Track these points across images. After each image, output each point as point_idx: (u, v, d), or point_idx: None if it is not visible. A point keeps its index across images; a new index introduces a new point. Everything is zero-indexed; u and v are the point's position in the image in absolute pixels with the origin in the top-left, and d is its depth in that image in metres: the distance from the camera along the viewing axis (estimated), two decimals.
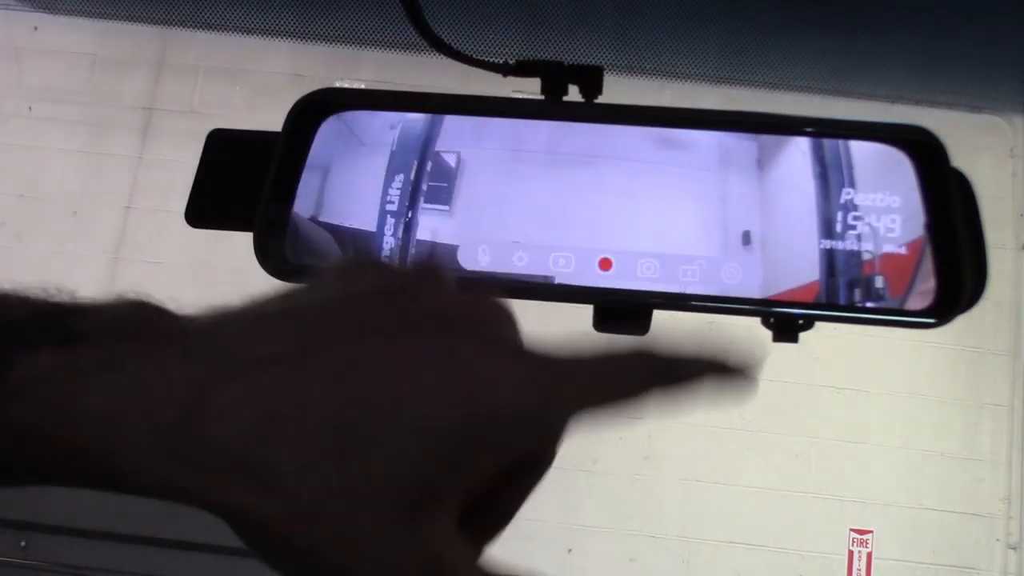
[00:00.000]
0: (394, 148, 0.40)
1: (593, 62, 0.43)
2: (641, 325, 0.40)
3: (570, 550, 3.75)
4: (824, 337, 3.50)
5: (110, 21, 3.98)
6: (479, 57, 0.46)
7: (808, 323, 0.39)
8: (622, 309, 0.40)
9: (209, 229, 0.41)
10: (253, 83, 3.97)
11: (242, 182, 0.40)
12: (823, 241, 0.38)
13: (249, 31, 3.89)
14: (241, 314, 0.31)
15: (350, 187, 0.40)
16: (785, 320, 0.39)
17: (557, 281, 0.39)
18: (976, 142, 3.93)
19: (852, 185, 0.39)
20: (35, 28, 4.06)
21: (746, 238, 0.39)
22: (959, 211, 0.38)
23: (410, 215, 0.40)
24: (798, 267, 0.39)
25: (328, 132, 0.40)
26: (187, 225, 0.42)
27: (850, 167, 0.39)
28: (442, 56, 0.51)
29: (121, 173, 3.95)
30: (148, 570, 2.77)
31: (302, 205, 0.40)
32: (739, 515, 3.78)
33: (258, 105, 3.87)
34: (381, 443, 0.28)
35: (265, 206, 0.40)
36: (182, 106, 3.99)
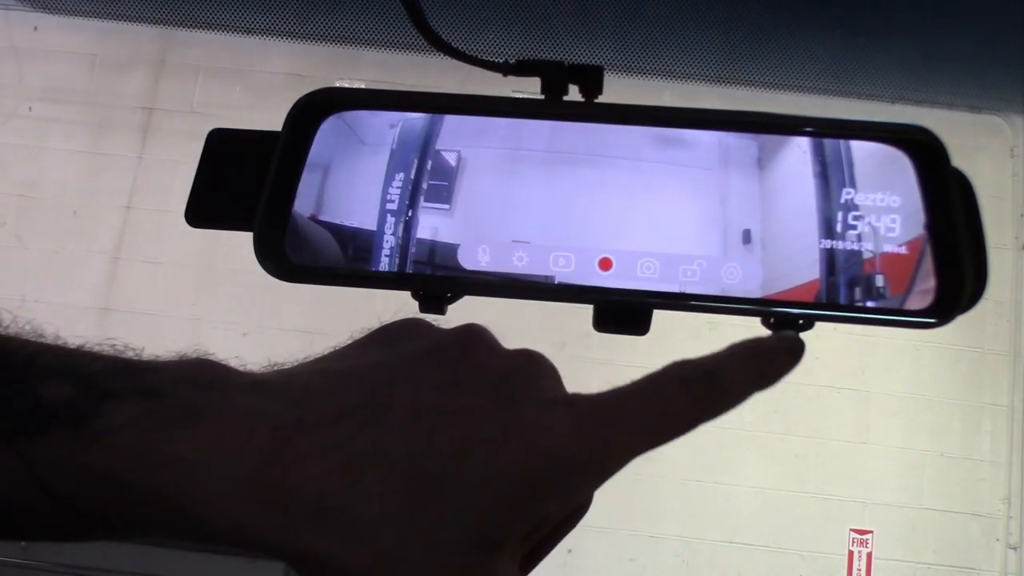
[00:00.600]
0: (394, 147, 0.41)
1: (593, 62, 0.43)
2: (641, 325, 0.40)
3: (570, 550, 3.75)
4: (824, 337, 3.52)
5: (110, 21, 3.98)
6: (479, 57, 0.46)
7: (808, 323, 0.40)
8: (622, 309, 0.40)
9: (209, 229, 0.41)
10: (253, 83, 3.98)
11: (242, 182, 0.40)
12: (823, 241, 0.38)
13: (249, 31, 3.89)
14: (306, 371, 0.34)
15: (350, 186, 0.40)
16: (785, 320, 0.39)
17: (557, 281, 0.39)
18: (976, 142, 3.93)
19: (852, 185, 0.39)
20: (35, 28, 4.06)
21: (746, 237, 0.39)
22: (959, 211, 0.38)
23: (410, 214, 0.40)
24: (798, 266, 0.39)
25: (328, 131, 0.41)
26: (187, 225, 0.42)
27: (850, 166, 0.39)
28: (442, 56, 0.51)
29: (121, 173, 3.95)
30: (148, 570, 2.77)
31: (302, 204, 0.40)
32: (739, 515, 3.78)
33: (258, 105, 3.87)
34: (453, 489, 0.30)
35: (265, 206, 0.40)
36: (182, 106, 4.00)
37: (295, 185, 0.40)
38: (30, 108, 3.98)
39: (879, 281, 0.38)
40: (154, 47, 4.03)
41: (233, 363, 0.34)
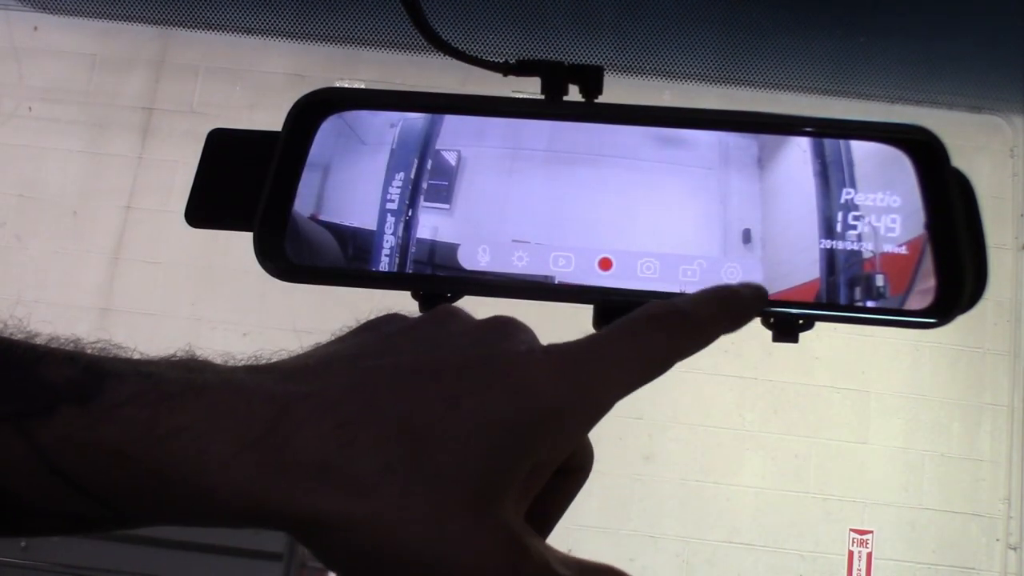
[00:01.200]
0: (394, 147, 0.41)
1: (593, 62, 0.43)
2: None
3: (570, 550, 3.74)
4: (824, 337, 3.52)
5: (110, 21, 3.98)
6: (479, 57, 0.46)
7: (808, 323, 0.40)
8: (622, 310, 0.40)
9: (209, 229, 0.41)
10: (253, 83, 3.98)
11: (242, 182, 0.40)
12: (823, 240, 0.38)
13: (249, 31, 3.89)
14: (293, 358, 0.34)
15: (350, 186, 0.40)
16: (785, 320, 0.39)
17: (557, 281, 0.40)
18: (976, 142, 3.93)
19: (852, 185, 0.39)
20: (35, 28, 4.06)
21: (746, 236, 0.39)
22: (959, 211, 0.38)
23: (410, 213, 0.40)
24: (798, 266, 0.39)
25: (328, 131, 0.41)
26: (187, 225, 0.42)
27: (851, 166, 0.39)
28: (442, 56, 0.51)
29: (121, 173, 3.95)
30: (148, 570, 2.77)
31: (302, 204, 0.40)
32: (739, 515, 3.78)
33: (258, 105, 3.87)
34: (446, 443, 0.31)
35: (265, 206, 0.40)
36: (182, 106, 4.00)
37: (295, 185, 0.40)
38: (30, 108, 3.98)
39: (879, 281, 0.38)
40: (154, 47, 4.03)
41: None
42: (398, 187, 0.41)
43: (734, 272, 0.39)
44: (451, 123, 0.41)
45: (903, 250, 0.38)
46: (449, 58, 0.50)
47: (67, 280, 3.88)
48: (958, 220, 0.38)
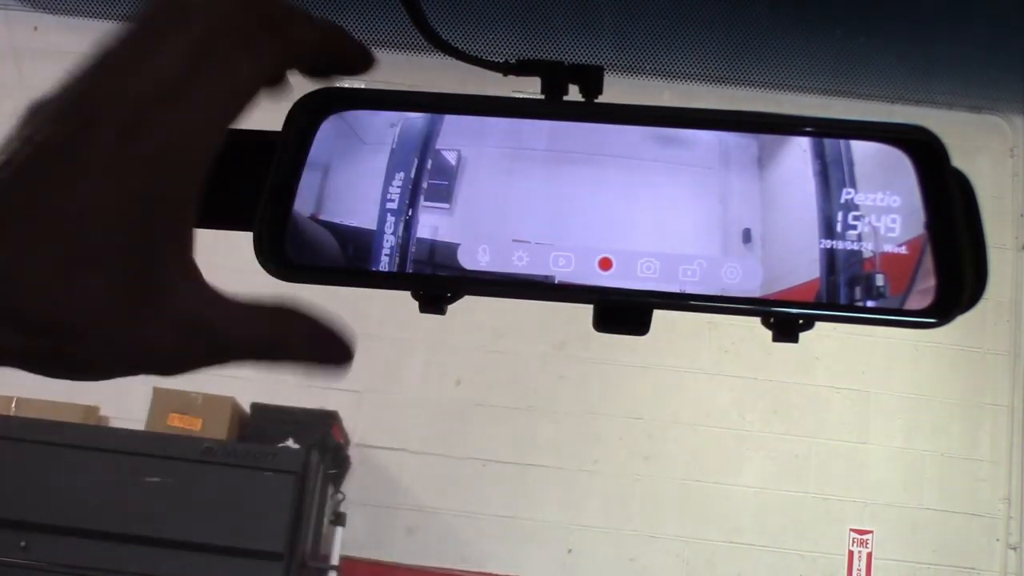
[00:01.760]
0: (395, 146, 0.41)
1: (593, 62, 0.43)
2: (641, 325, 0.40)
3: (570, 550, 3.75)
4: (824, 337, 3.51)
5: (110, 21, 3.98)
6: (479, 56, 0.46)
7: (808, 323, 0.40)
8: (622, 309, 0.40)
9: (208, 229, 0.41)
10: None
11: (242, 182, 0.40)
12: (823, 240, 0.38)
13: None
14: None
15: (350, 185, 0.40)
16: (785, 320, 0.39)
17: (557, 280, 0.40)
18: (976, 142, 3.93)
19: (853, 185, 0.39)
20: (35, 28, 4.06)
21: (746, 236, 0.39)
22: (959, 211, 0.38)
23: (410, 213, 0.40)
24: (798, 266, 0.39)
25: (329, 131, 0.41)
26: None
27: (851, 166, 0.39)
28: (442, 56, 0.51)
29: None
30: (148, 570, 2.77)
31: (302, 204, 0.40)
32: (739, 515, 3.78)
33: (258, 105, 3.86)
34: (79, 224, 0.33)
35: (265, 206, 0.40)
36: None
37: (295, 185, 0.40)
38: None
39: (879, 281, 0.38)
40: None
41: None
42: (398, 187, 0.41)
43: (734, 272, 0.39)
44: (451, 123, 0.41)
45: (903, 250, 0.38)
46: (449, 58, 0.50)
47: None
48: (958, 220, 0.38)
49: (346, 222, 0.40)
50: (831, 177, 0.39)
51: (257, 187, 0.40)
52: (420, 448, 3.81)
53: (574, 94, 0.43)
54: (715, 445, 3.82)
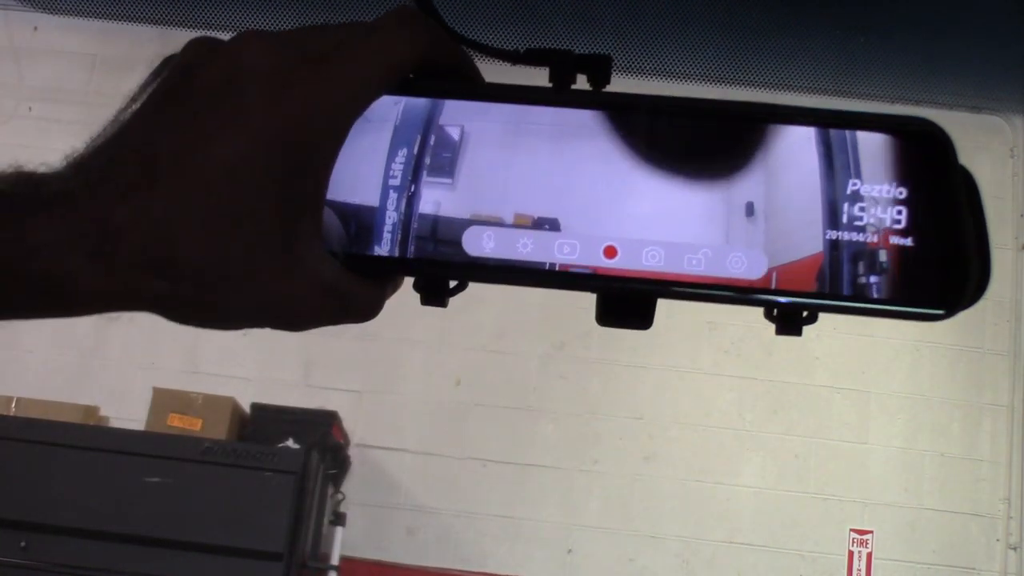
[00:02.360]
0: (398, 123, 0.41)
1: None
2: (645, 317, 0.40)
3: (570, 550, 3.75)
4: (824, 337, 3.51)
5: (110, 21, 3.98)
6: (488, 44, 0.46)
7: (812, 316, 0.40)
8: (626, 300, 0.40)
9: None
10: None
11: None
12: (828, 231, 0.39)
13: None
14: (109, 149, 0.36)
15: (353, 164, 0.40)
16: (789, 312, 0.40)
17: (560, 267, 0.40)
18: (976, 142, 3.93)
19: (859, 175, 0.39)
20: (35, 28, 4.06)
21: (750, 216, 0.39)
22: (965, 203, 0.38)
23: (413, 189, 0.40)
24: (803, 257, 0.39)
25: None
26: None
27: (857, 157, 0.40)
28: None
29: None
30: (148, 570, 2.77)
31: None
32: (739, 515, 3.78)
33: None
34: (243, 215, 0.35)
35: None
36: None
37: None
38: (30, 108, 3.98)
39: (884, 272, 0.39)
40: (154, 47, 4.03)
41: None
42: (401, 163, 0.41)
43: (739, 261, 0.39)
44: (455, 104, 0.41)
45: (908, 242, 0.38)
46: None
47: None
48: (964, 212, 0.38)
49: (349, 200, 0.40)
50: (837, 168, 0.39)
51: None
52: (420, 448, 3.81)
53: (581, 83, 0.43)
54: (715, 445, 3.82)
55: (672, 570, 3.76)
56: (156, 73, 0.38)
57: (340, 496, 3.44)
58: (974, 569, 3.74)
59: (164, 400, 3.25)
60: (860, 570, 3.71)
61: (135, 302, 0.36)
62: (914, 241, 0.38)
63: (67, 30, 4.00)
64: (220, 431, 3.15)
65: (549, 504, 3.78)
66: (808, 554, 3.75)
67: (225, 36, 0.38)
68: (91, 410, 3.40)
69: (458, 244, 0.40)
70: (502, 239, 0.40)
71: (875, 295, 0.38)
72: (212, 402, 3.24)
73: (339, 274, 0.38)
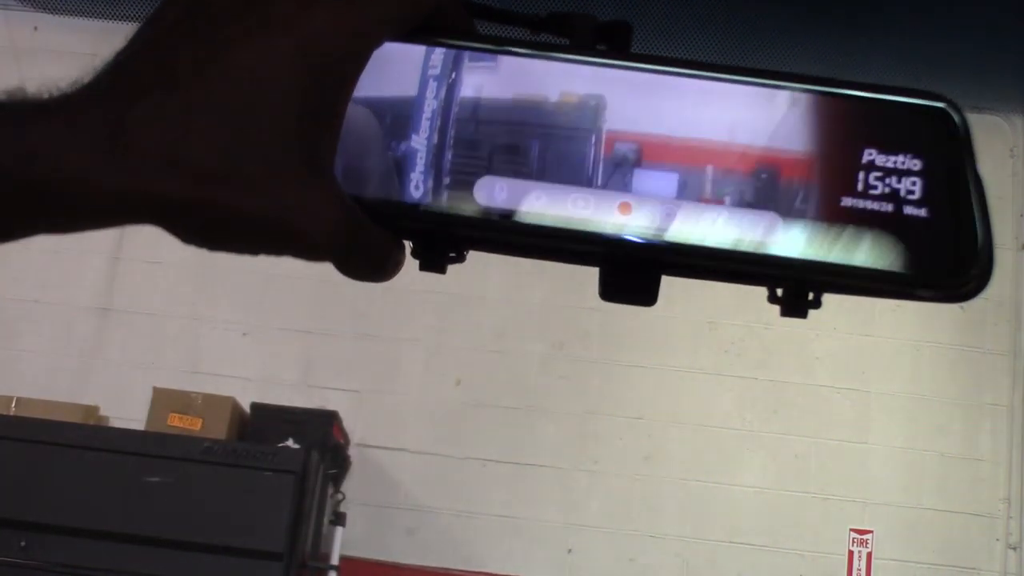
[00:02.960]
0: (413, 69, 0.41)
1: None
2: (649, 293, 0.40)
3: (570, 550, 3.75)
4: (824, 337, 3.50)
5: (110, 21, 3.98)
6: (507, 10, 0.46)
7: (817, 300, 0.40)
8: (632, 271, 0.40)
9: None
10: None
11: None
12: (844, 199, 0.39)
13: None
14: (116, 65, 0.36)
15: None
16: (793, 293, 0.40)
17: (574, 222, 0.40)
18: (976, 142, 3.92)
19: (875, 145, 0.39)
20: (35, 28, 4.06)
21: (767, 187, 0.39)
22: (976, 180, 0.39)
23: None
24: (819, 227, 0.39)
25: None
26: None
27: (873, 128, 0.40)
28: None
29: None
30: (148, 570, 2.77)
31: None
32: (739, 515, 3.79)
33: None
34: (262, 108, 0.34)
35: None
36: None
37: None
38: None
39: (898, 243, 0.39)
40: None
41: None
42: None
43: (756, 223, 0.39)
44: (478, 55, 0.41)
45: (923, 212, 0.39)
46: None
47: (67, 280, 3.88)
48: (974, 189, 0.39)
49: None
50: (853, 137, 0.40)
51: None
52: (420, 448, 3.81)
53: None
54: (715, 445, 3.82)
55: (672, 570, 3.76)
56: None
57: (340, 496, 3.44)
58: (974, 569, 3.74)
59: (164, 400, 3.25)
60: (860, 570, 3.71)
61: (142, 211, 0.35)
62: (928, 212, 0.39)
63: (67, 30, 4.01)
64: (220, 431, 3.15)
65: (549, 504, 3.78)
66: (808, 554, 3.75)
67: None
68: (91, 410, 3.40)
69: (469, 194, 0.40)
70: (515, 190, 0.40)
71: (888, 265, 0.38)
72: (212, 402, 3.24)
73: (353, 203, 0.38)
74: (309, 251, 0.38)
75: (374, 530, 3.70)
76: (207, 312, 3.88)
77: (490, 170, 0.39)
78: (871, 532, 3.74)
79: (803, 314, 0.40)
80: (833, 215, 0.38)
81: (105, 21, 3.98)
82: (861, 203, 0.38)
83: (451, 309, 3.82)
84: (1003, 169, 3.99)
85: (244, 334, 3.89)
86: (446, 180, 0.40)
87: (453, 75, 0.40)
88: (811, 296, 0.39)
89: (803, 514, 3.77)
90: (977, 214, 0.39)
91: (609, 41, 0.42)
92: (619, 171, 0.39)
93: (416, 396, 3.85)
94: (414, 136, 0.40)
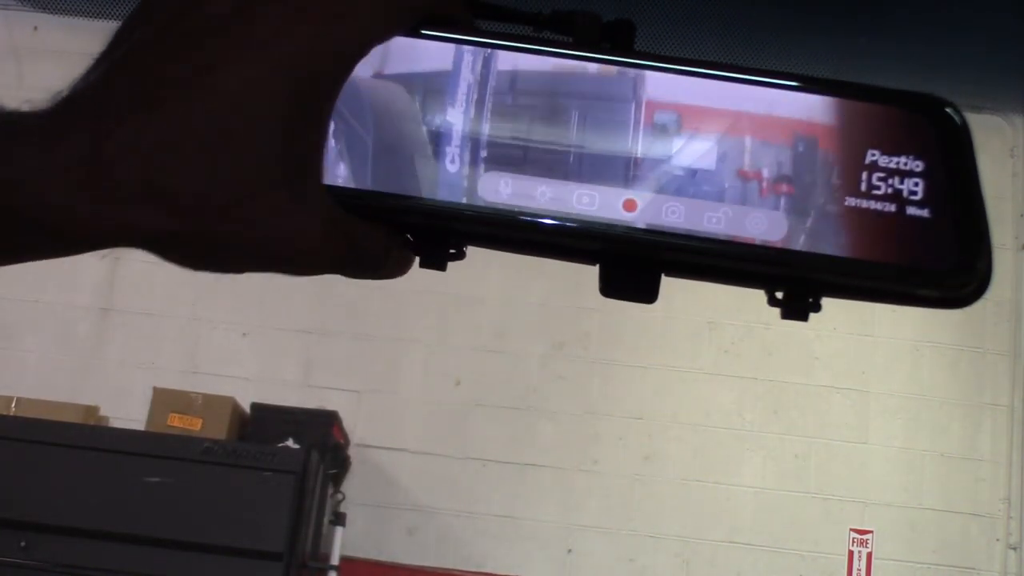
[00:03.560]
0: (415, 66, 0.41)
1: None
2: (650, 291, 0.40)
3: (570, 550, 3.75)
4: (824, 337, 3.50)
5: (110, 21, 3.98)
6: (511, 8, 0.46)
7: (816, 304, 0.40)
8: (633, 268, 0.40)
9: None
10: None
11: None
12: (847, 199, 0.39)
13: None
14: (92, 78, 0.36)
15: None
16: (794, 296, 0.40)
17: (578, 219, 0.40)
18: (976, 142, 3.92)
19: (877, 147, 0.40)
20: (35, 28, 4.06)
21: (770, 186, 0.40)
22: (977, 179, 0.39)
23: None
24: (822, 226, 0.40)
25: None
26: None
27: (876, 129, 0.40)
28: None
29: None
30: (148, 570, 2.77)
31: (359, 65, 0.39)
32: (739, 515, 3.79)
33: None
34: (241, 133, 0.34)
35: None
36: None
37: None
38: None
39: (901, 244, 0.39)
40: None
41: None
42: (419, 107, 0.40)
43: (759, 221, 0.39)
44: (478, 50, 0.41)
45: (925, 213, 0.39)
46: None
47: (67, 280, 3.88)
48: (975, 190, 0.39)
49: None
50: (857, 138, 0.40)
51: None
52: (420, 448, 3.81)
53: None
54: (715, 445, 3.82)
55: (672, 570, 3.76)
56: (147, 4, 0.37)
57: (340, 496, 3.44)
58: (974, 569, 3.74)
59: (164, 400, 3.25)
60: (860, 570, 3.71)
61: (129, 238, 0.34)
62: (931, 214, 0.39)
63: (67, 30, 4.00)
64: (220, 431, 3.15)
65: (549, 504, 3.78)
66: (808, 554, 3.75)
67: None
68: (91, 410, 3.40)
69: (473, 189, 0.40)
70: (520, 185, 0.40)
71: (889, 264, 0.39)
72: (212, 402, 3.24)
73: (346, 215, 0.37)
74: (299, 269, 0.37)
75: (374, 530, 3.71)
76: (207, 312, 3.88)
77: (494, 165, 0.40)
78: (871, 532, 3.74)
79: (804, 317, 0.40)
80: (836, 215, 0.39)
81: (105, 21, 3.98)
82: (864, 203, 0.39)
83: (451, 309, 3.82)
84: (1003, 169, 3.99)
85: (244, 334, 3.89)
86: (449, 175, 0.40)
87: (457, 72, 0.40)
88: (811, 299, 0.40)
89: (803, 514, 3.77)
90: (977, 215, 0.39)
91: (612, 40, 0.43)
92: (624, 168, 0.39)
93: (416, 396, 3.85)
94: (417, 131, 0.40)
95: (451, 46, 0.40)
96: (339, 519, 3.34)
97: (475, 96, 0.40)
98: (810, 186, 0.39)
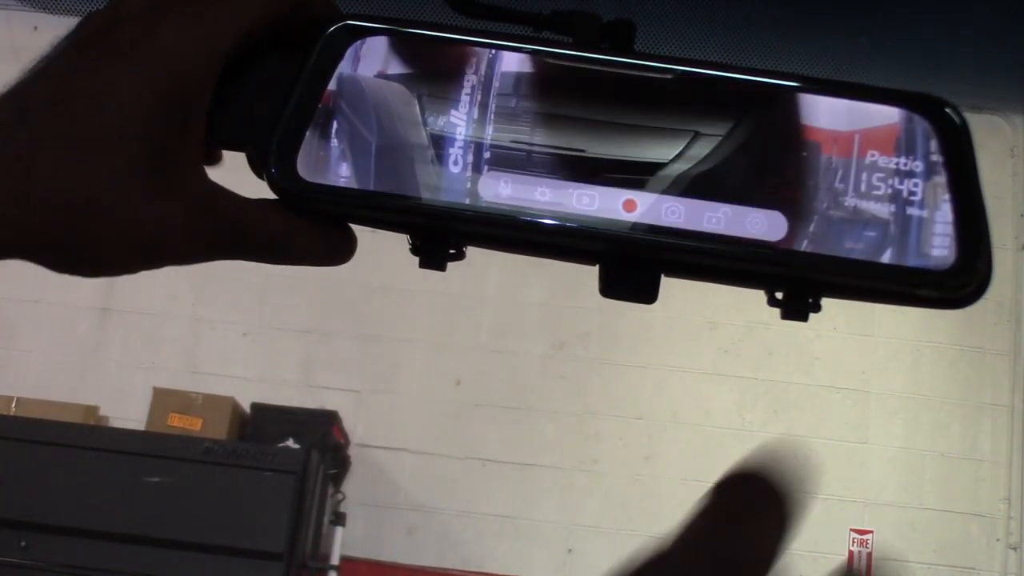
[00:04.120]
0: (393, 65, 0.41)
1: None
2: (650, 291, 0.40)
3: (570, 550, 3.75)
4: (824, 337, 3.50)
5: None
6: (511, 9, 0.46)
7: (816, 304, 0.40)
8: (633, 268, 0.40)
9: (228, 150, 0.41)
10: None
11: (245, 101, 0.40)
12: (847, 199, 0.39)
13: None
14: (17, 99, 0.37)
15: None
16: (794, 296, 0.40)
17: (579, 218, 0.40)
18: (976, 142, 3.92)
19: (877, 147, 0.40)
20: (35, 28, 4.06)
21: (770, 185, 0.40)
22: (977, 180, 0.39)
23: (457, 73, 0.40)
24: (822, 226, 0.40)
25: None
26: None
27: (875, 129, 0.40)
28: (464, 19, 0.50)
29: None
30: (148, 570, 2.77)
31: (362, 66, 0.40)
32: None
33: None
34: (107, 135, 0.35)
35: (292, 111, 0.40)
36: None
37: (315, 105, 0.40)
38: None
39: (902, 244, 0.39)
40: None
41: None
42: (412, 103, 0.41)
43: (759, 222, 0.39)
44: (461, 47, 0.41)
45: (924, 213, 0.39)
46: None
47: (67, 280, 3.87)
48: (976, 189, 0.39)
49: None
50: (856, 138, 0.40)
51: (268, 103, 0.40)
52: (420, 448, 3.81)
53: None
54: (715, 445, 3.82)
55: None
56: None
57: (340, 496, 3.44)
58: (974, 569, 3.74)
59: (164, 400, 3.25)
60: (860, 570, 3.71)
61: (5, 250, 0.37)
62: (930, 213, 0.39)
63: (67, 30, 4.00)
64: (220, 431, 3.15)
65: (549, 504, 3.78)
66: (808, 554, 3.75)
67: None
68: (91, 410, 3.40)
69: (475, 189, 0.40)
70: (520, 185, 0.40)
71: (889, 264, 0.39)
72: (212, 402, 3.24)
73: (227, 199, 0.38)
74: (176, 258, 0.39)
75: (374, 530, 3.70)
76: (207, 312, 3.88)
77: (494, 166, 0.40)
78: (871, 532, 3.74)
79: (804, 317, 0.40)
80: (836, 215, 0.39)
81: None
82: (864, 203, 0.39)
83: (451, 309, 3.82)
84: (1003, 169, 3.99)
85: (244, 334, 3.89)
86: (449, 175, 0.40)
87: (457, 73, 0.40)
88: (811, 299, 0.40)
89: (803, 514, 3.77)
90: (977, 216, 0.39)
91: (612, 40, 0.42)
92: (624, 168, 0.39)
93: (416, 396, 3.85)
94: (417, 132, 0.40)
95: (452, 47, 0.40)
96: (339, 519, 3.34)
97: (475, 97, 0.40)
98: (810, 186, 0.39)
